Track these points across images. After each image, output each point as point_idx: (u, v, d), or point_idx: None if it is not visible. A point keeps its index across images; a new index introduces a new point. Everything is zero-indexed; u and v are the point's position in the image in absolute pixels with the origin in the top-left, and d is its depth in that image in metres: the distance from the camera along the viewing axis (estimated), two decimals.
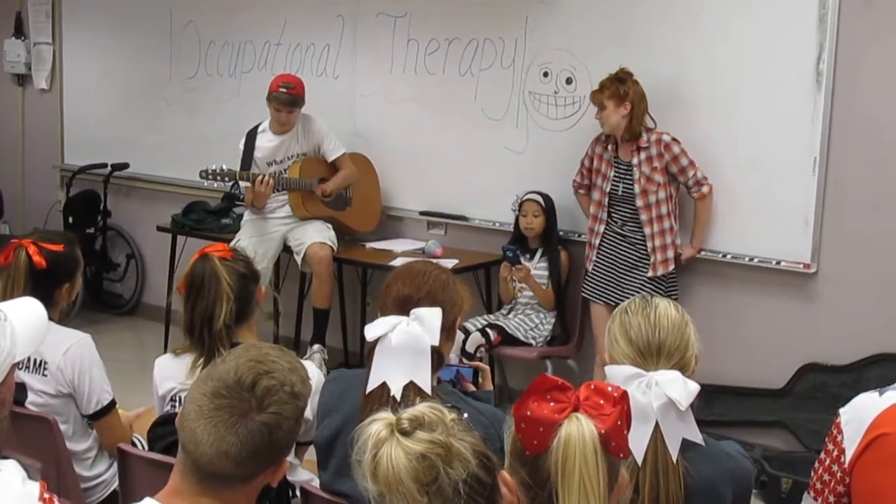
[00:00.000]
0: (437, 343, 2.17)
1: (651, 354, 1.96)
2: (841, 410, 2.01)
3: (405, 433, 1.43)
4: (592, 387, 1.53)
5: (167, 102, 6.63)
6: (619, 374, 1.94)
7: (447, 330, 2.23)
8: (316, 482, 2.41)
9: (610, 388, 1.52)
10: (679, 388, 1.89)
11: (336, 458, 2.24)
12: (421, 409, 1.47)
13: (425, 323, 2.15)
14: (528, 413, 1.50)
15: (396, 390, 2.12)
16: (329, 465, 2.27)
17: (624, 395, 1.52)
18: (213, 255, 2.63)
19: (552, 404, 1.50)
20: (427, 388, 2.13)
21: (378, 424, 1.45)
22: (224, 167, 5.13)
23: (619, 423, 1.49)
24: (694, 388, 1.91)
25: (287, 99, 5.11)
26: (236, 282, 2.60)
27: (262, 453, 1.62)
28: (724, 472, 1.95)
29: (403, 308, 2.20)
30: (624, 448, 1.51)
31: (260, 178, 5.08)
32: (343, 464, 2.20)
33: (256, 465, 1.63)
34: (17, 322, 1.90)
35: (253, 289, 2.67)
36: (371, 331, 2.17)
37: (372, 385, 2.16)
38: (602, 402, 1.50)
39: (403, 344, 2.14)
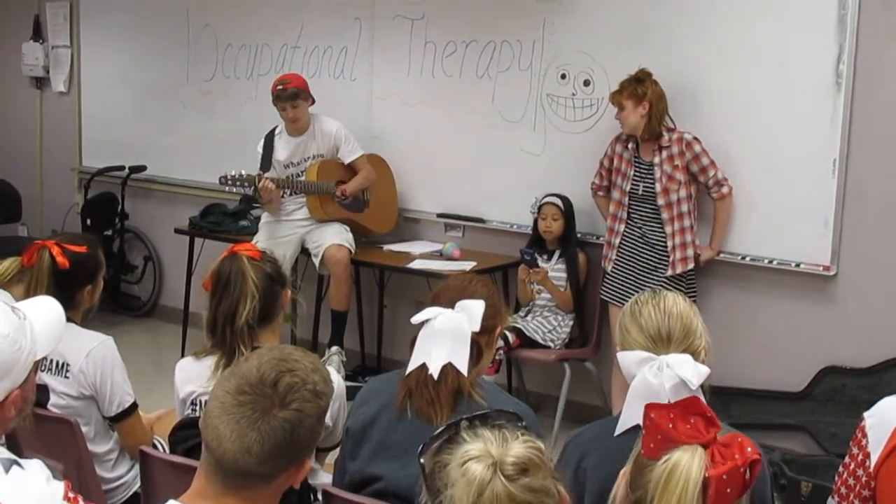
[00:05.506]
0: (478, 330, 2.26)
1: (662, 340, 2.02)
2: (866, 414, 2.01)
3: (510, 478, 1.41)
4: (739, 440, 1.45)
5: (184, 105, 6.65)
6: (631, 359, 1.99)
7: (489, 334, 2.33)
8: None
9: (750, 450, 1.43)
10: (690, 368, 1.94)
11: (370, 444, 2.30)
12: (522, 451, 1.44)
13: (470, 313, 2.25)
14: (652, 416, 1.47)
15: (435, 370, 2.21)
16: (361, 453, 2.32)
17: (747, 463, 1.42)
18: (242, 254, 2.64)
19: (688, 427, 1.45)
20: (464, 372, 2.22)
21: (477, 466, 1.41)
22: (243, 172, 5.13)
23: (724, 477, 1.40)
24: (704, 370, 1.96)
25: (286, 94, 5.09)
26: (262, 281, 2.60)
27: (284, 451, 1.62)
28: None
29: (451, 307, 2.30)
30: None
31: (259, 180, 5.07)
32: (378, 447, 2.29)
33: (278, 464, 1.63)
34: (35, 320, 1.91)
35: (279, 291, 2.67)
36: (417, 317, 2.28)
37: (412, 366, 2.25)
38: (737, 455, 1.43)
39: (446, 328, 2.24)
